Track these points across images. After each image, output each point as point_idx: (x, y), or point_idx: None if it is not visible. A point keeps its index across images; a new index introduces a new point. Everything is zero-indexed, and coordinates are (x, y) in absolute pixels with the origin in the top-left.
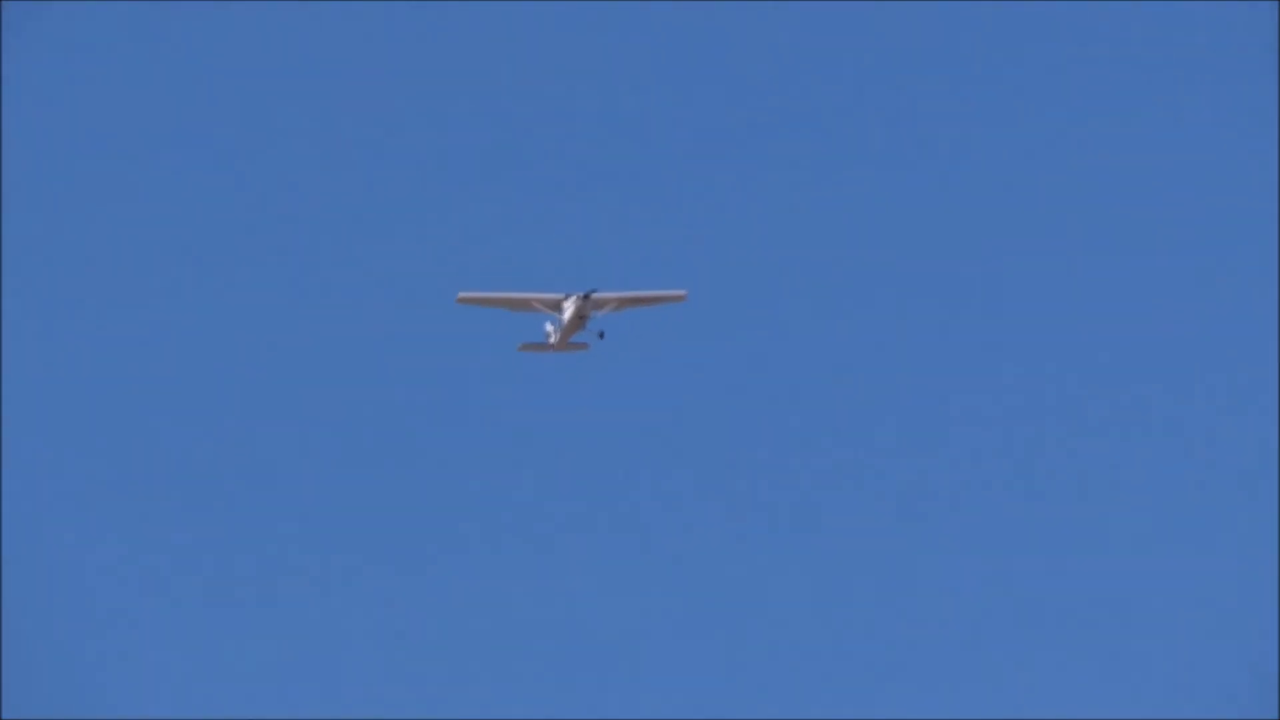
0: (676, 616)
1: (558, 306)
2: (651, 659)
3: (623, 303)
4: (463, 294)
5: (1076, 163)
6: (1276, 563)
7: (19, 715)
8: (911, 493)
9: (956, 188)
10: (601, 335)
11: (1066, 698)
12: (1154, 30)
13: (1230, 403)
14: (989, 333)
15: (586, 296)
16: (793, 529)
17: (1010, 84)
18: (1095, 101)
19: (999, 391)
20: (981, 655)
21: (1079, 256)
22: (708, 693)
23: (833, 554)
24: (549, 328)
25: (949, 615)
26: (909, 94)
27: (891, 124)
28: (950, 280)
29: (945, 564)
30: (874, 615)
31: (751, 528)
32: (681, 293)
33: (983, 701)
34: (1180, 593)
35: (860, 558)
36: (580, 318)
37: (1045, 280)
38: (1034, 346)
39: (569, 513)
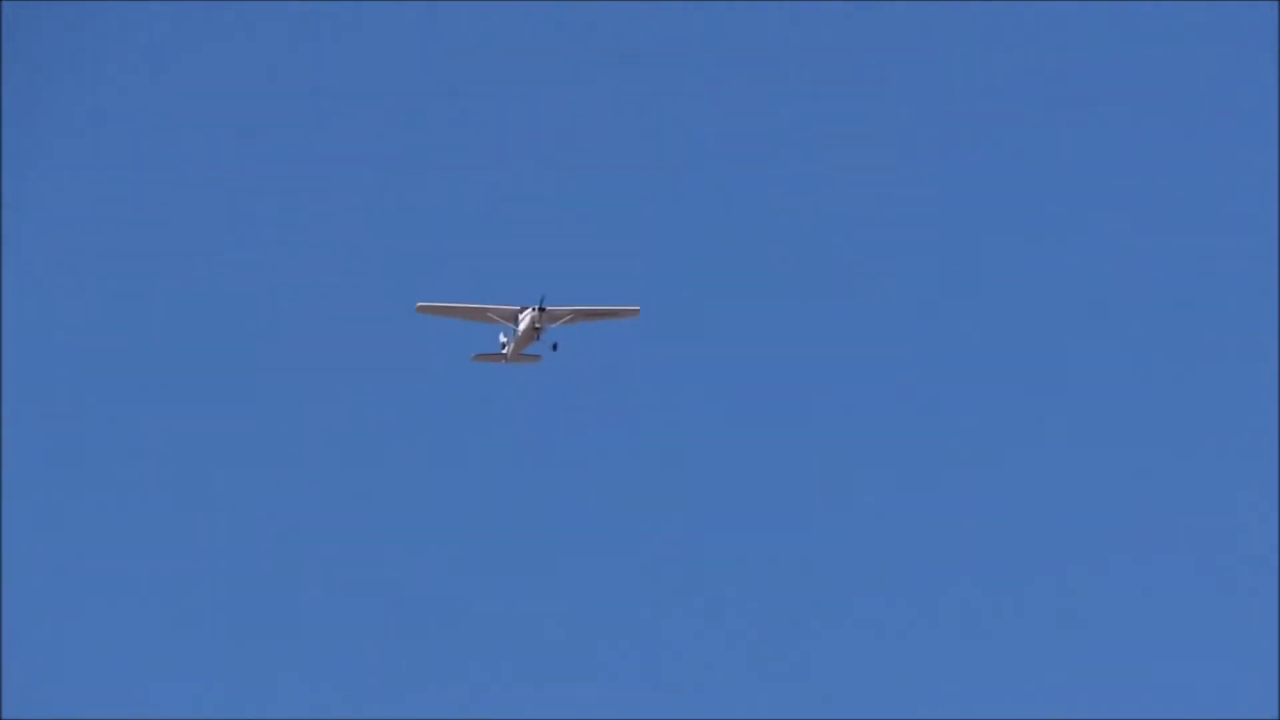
0: (627, 623)
1: (514, 318)
2: (608, 665)
3: (577, 316)
4: (421, 303)
5: (1076, 163)
6: (1277, 562)
7: (19, 715)
8: (870, 502)
9: (939, 188)
10: (555, 347)
11: (1067, 698)
12: (1154, 30)
13: (1230, 403)
14: (962, 335)
15: (542, 309)
16: (745, 538)
17: (1010, 84)
18: (1095, 101)
19: (965, 396)
20: (981, 655)
21: (1078, 256)
22: (663, 698)
23: (789, 563)
24: (503, 338)
25: (927, 616)
26: (884, 98)
27: (857, 132)
28: (920, 283)
29: (912, 571)
30: (832, 621)
31: (702, 538)
32: (635, 307)
33: (983, 701)
34: (1180, 592)
35: (817, 566)
36: (535, 329)
37: (1043, 280)
38: (1025, 345)
39: (521, 520)
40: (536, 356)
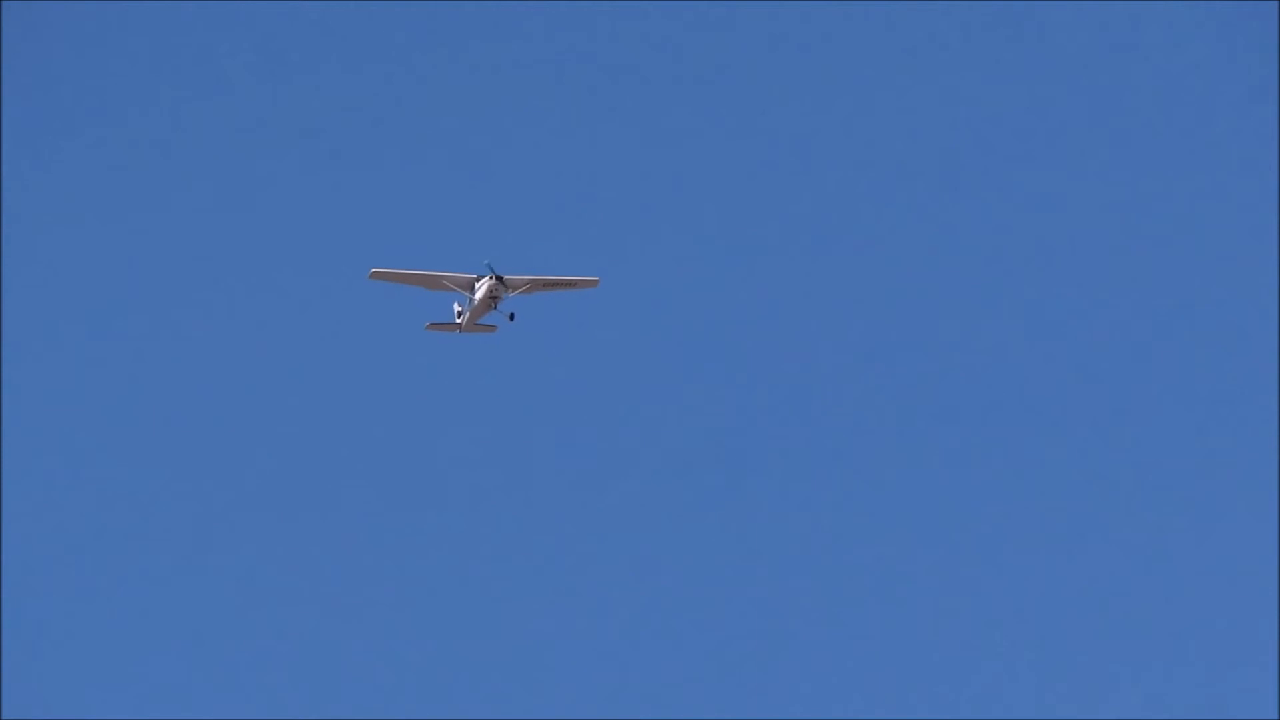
0: (591, 607)
1: (470, 286)
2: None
3: (535, 286)
4: (375, 270)
5: (1076, 163)
6: (1277, 563)
7: (19, 715)
8: (829, 472)
9: (930, 180)
10: (512, 317)
11: (1067, 698)
12: (1154, 30)
13: (1231, 403)
14: (950, 325)
15: (499, 278)
16: (707, 514)
17: (1009, 85)
18: (1095, 101)
19: (954, 384)
20: (981, 655)
21: (1078, 257)
22: (614, 685)
23: (755, 541)
24: (457, 307)
25: (920, 612)
26: (848, 84)
27: (828, 113)
28: (896, 263)
29: (889, 544)
30: (792, 597)
31: (661, 512)
32: (594, 279)
33: (983, 701)
34: (1181, 593)
35: (779, 536)
36: (492, 298)
37: (1040, 280)
38: (1019, 343)
39: (476, 494)
40: (492, 327)
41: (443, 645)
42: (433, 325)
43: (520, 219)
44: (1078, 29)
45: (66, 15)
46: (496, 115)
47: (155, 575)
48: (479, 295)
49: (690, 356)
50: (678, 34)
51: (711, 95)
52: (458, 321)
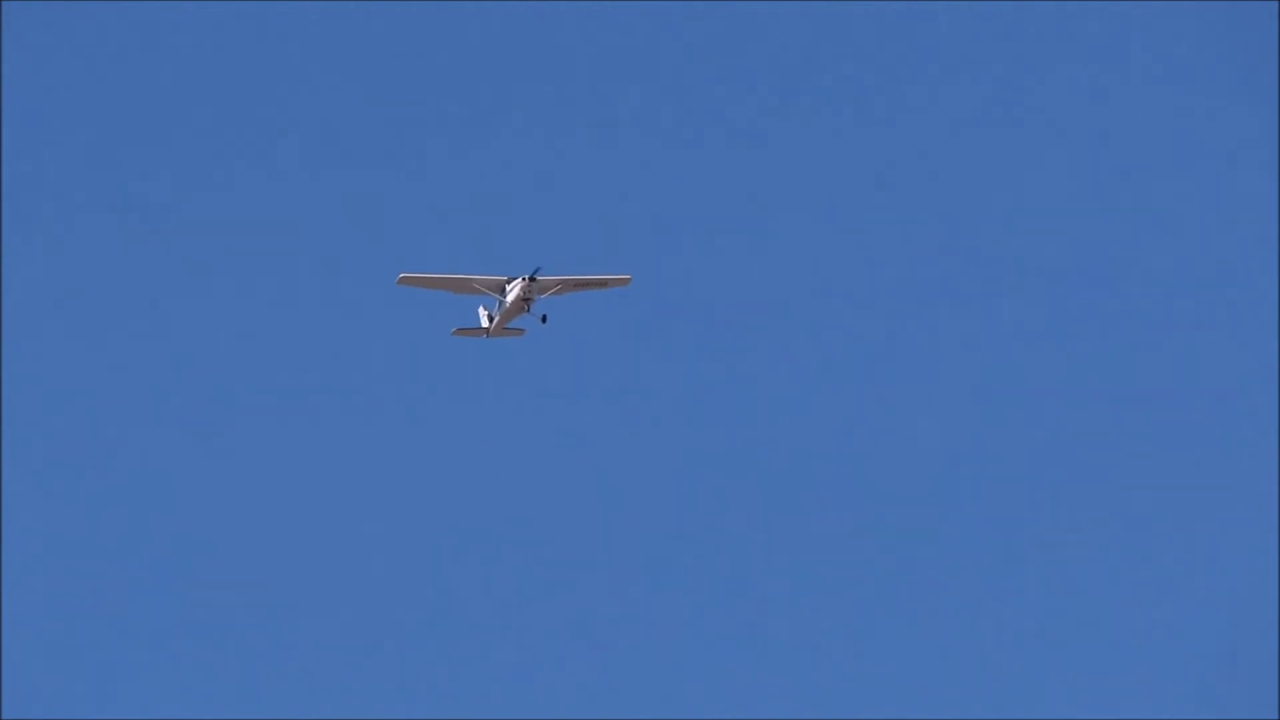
0: (623, 608)
1: (501, 289)
2: (600, 652)
3: (566, 286)
4: (403, 274)
5: (1076, 163)
6: (1277, 563)
7: (19, 716)
8: (862, 477)
9: (939, 183)
10: (545, 320)
11: (1067, 698)
12: (1154, 30)
13: (1231, 403)
14: (956, 322)
15: (532, 279)
16: (740, 516)
17: (1010, 85)
18: (1095, 101)
19: (947, 369)
20: (981, 655)
21: (1078, 257)
22: (647, 683)
23: (782, 540)
24: (483, 311)
25: (926, 610)
26: (878, 84)
27: (852, 111)
28: (904, 262)
29: (912, 548)
30: (819, 596)
31: (695, 514)
32: (626, 277)
33: (983, 701)
34: (1180, 592)
35: (809, 543)
36: (525, 300)
37: (1042, 281)
38: (1022, 346)
39: (509, 503)
40: (520, 330)
41: (474, 653)
42: (460, 330)
43: (544, 219)
44: (1077, 29)
45: (66, 15)
46: (517, 115)
47: (156, 576)
48: (510, 298)
49: (725, 355)
50: (703, 29)
51: (738, 90)
52: (485, 325)
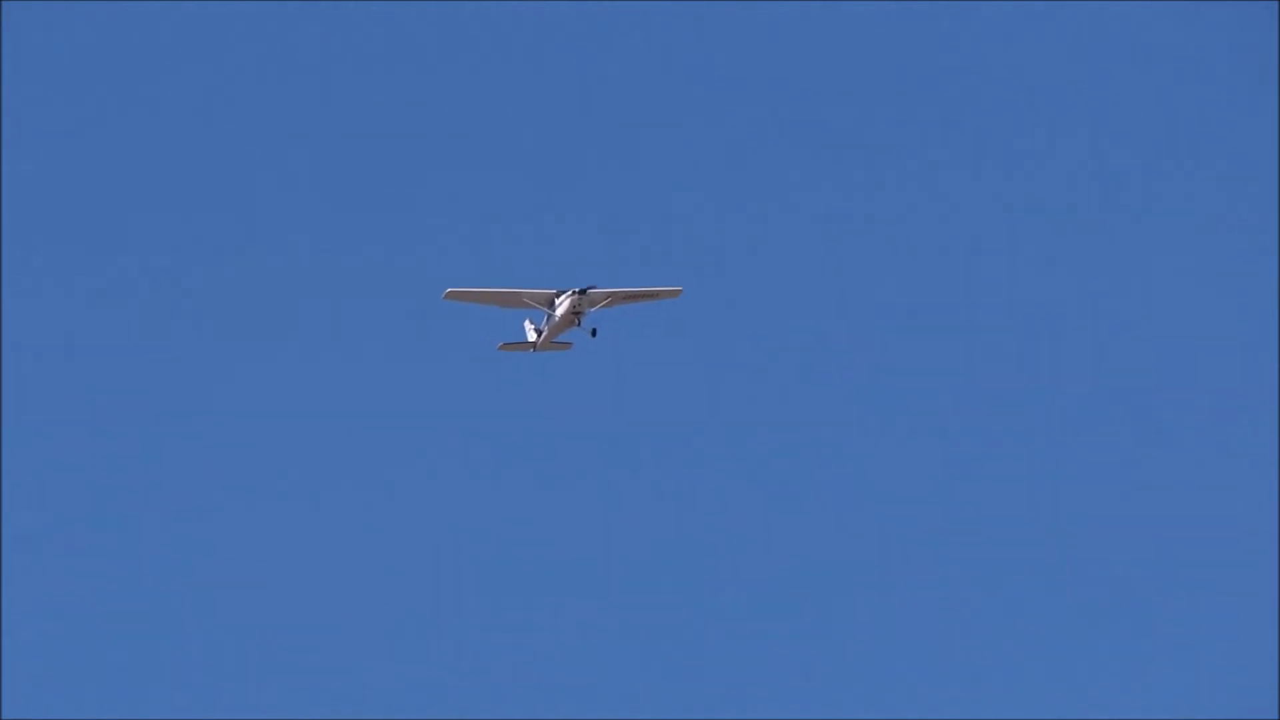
0: (673, 619)
1: (550, 303)
2: (648, 662)
3: (616, 298)
4: (450, 290)
5: (1076, 163)
6: (1277, 563)
7: (19, 716)
8: (908, 488)
9: (953, 186)
10: (594, 333)
11: (1067, 698)
12: (1154, 30)
13: (1231, 403)
14: (985, 331)
15: (583, 292)
16: (788, 528)
17: (1010, 84)
18: (1095, 101)
19: (995, 388)
20: (981, 655)
21: (1078, 258)
22: (707, 694)
23: (829, 555)
24: (529, 325)
25: (948, 614)
26: (904, 93)
27: (886, 123)
28: (947, 277)
29: (943, 562)
30: (870, 613)
31: (745, 527)
32: (677, 288)
33: (983, 701)
34: (1180, 593)
35: (857, 557)
36: (575, 314)
37: (1044, 282)
38: (1033, 346)
39: (560, 516)
40: (568, 344)
41: (531, 667)
42: (506, 345)
43: (587, 230)
44: (1077, 29)
45: (66, 15)
46: (560, 127)
47: (157, 577)
48: (560, 311)
49: (780, 367)
50: (753, 35)
51: (782, 97)
52: (532, 340)
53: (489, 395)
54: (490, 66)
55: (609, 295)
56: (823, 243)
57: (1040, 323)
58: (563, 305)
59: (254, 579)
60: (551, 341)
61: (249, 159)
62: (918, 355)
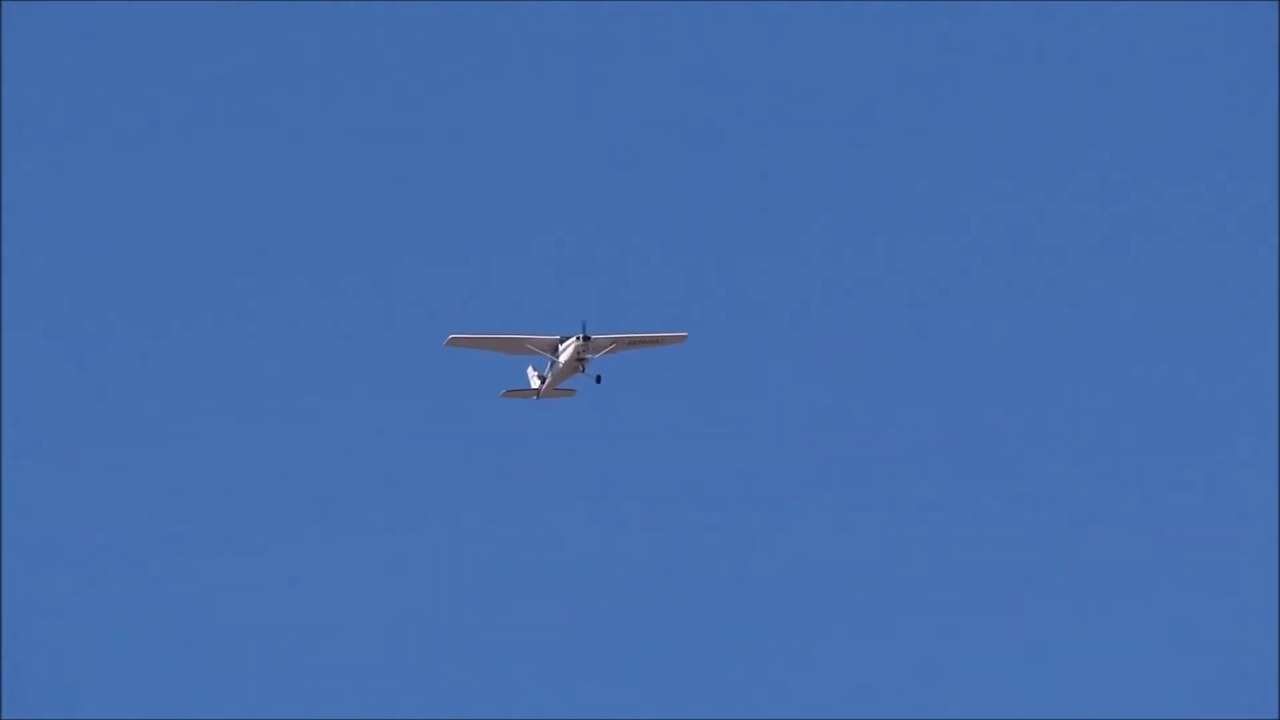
0: (678, 671)
1: (554, 349)
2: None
3: (620, 345)
4: (453, 336)
5: (1076, 163)
6: (1277, 563)
7: (19, 716)
8: (915, 535)
9: (953, 192)
10: (599, 380)
11: (1067, 697)
12: (1154, 30)
13: (1231, 402)
14: (989, 350)
15: (586, 338)
16: (794, 574)
17: (1011, 85)
18: (1095, 101)
19: (1000, 409)
20: (982, 655)
21: (1079, 259)
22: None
23: (838, 600)
24: (532, 371)
25: (950, 626)
26: (903, 95)
27: (887, 152)
28: (951, 299)
29: (949, 568)
30: (876, 661)
31: (752, 575)
32: (682, 334)
33: (983, 701)
34: (1180, 592)
35: (865, 601)
36: (579, 360)
37: (1046, 284)
38: (1035, 350)
39: (564, 564)
40: (571, 390)
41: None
42: (509, 393)
43: (592, 275)
44: (1078, 29)
45: (66, 15)
46: (565, 171)
47: (158, 577)
48: (564, 357)
49: (786, 414)
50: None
51: (799, 148)
52: (535, 386)
53: (492, 442)
54: (498, 101)
55: (613, 341)
56: (830, 287)
57: (1041, 323)
58: (566, 351)
59: (252, 620)
60: (555, 388)
61: (250, 163)
62: (924, 389)
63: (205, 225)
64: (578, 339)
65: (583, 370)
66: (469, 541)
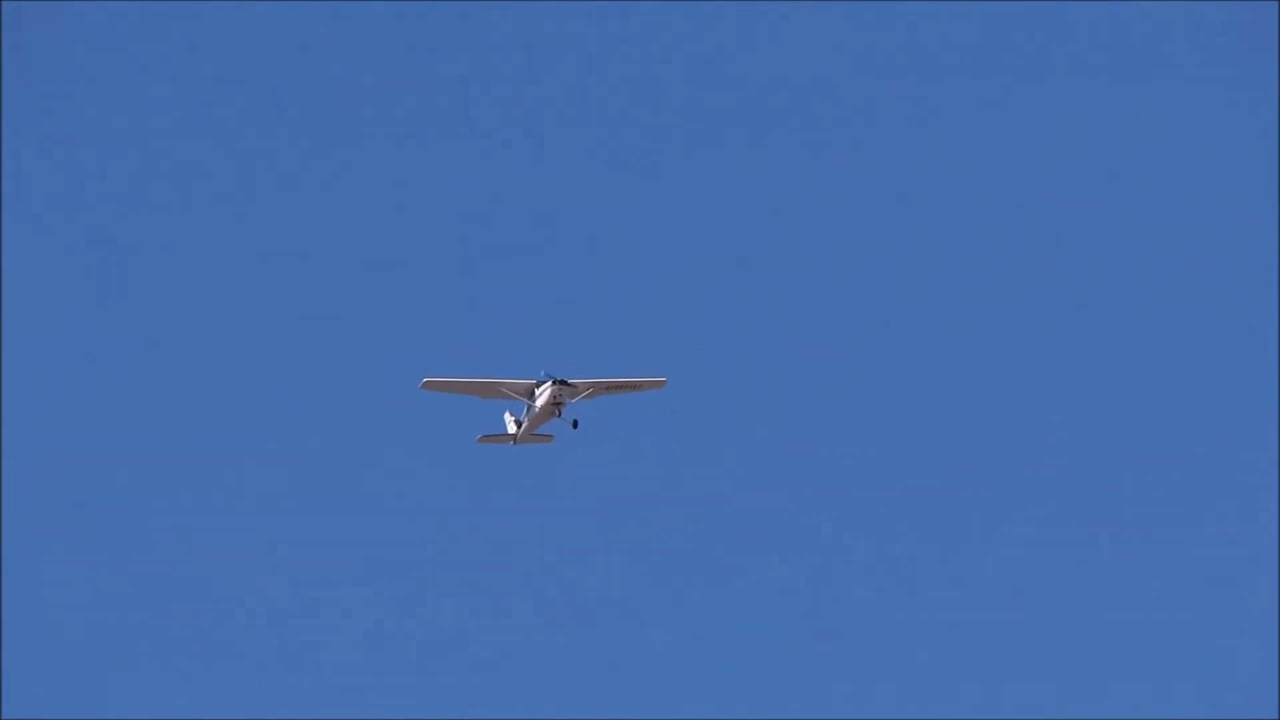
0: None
1: (530, 393)
2: None
3: (598, 389)
4: (427, 379)
5: (1076, 163)
6: (1277, 563)
7: (19, 716)
8: (908, 575)
9: (939, 185)
10: (575, 425)
11: (1067, 697)
12: (1154, 30)
13: (1231, 402)
14: (989, 351)
15: (563, 382)
16: (782, 623)
17: (1011, 85)
18: (1095, 101)
19: (994, 392)
20: (983, 655)
21: (1080, 259)
22: None
23: (827, 648)
24: (509, 417)
25: (953, 626)
26: (903, 98)
27: (875, 161)
28: (945, 315)
29: (952, 569)
30: (872, 688)
31: (738, 623)
32: (661, 379)
33: (984, 701)
34: (1180, 592)
35: (855, 651)
36: (555, 405)
37: (1048, 283)
38: (1033, 347)
39: (540, 614)
40: (549, 436)
41: None
42: (485, 438)
43: (568, 318)
44: (1078, 29)
45: (66, 15)
46: (541, 209)
47: (157, 578)
48: (540, 402)
49: (768, 462)
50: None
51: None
52: (512, 432)
53: (467, 490)
54: (471, 142)
55: (591, 386)
56: (810, 327)
57: (1040, 324)
58: (543, 395)
59: (251, 620)
60: (531, 434)
61: (249, 168)
62: (912, 425)
63: (196, 230)
64: (554, 383)
65: (559, 415)
66: (441, 588)
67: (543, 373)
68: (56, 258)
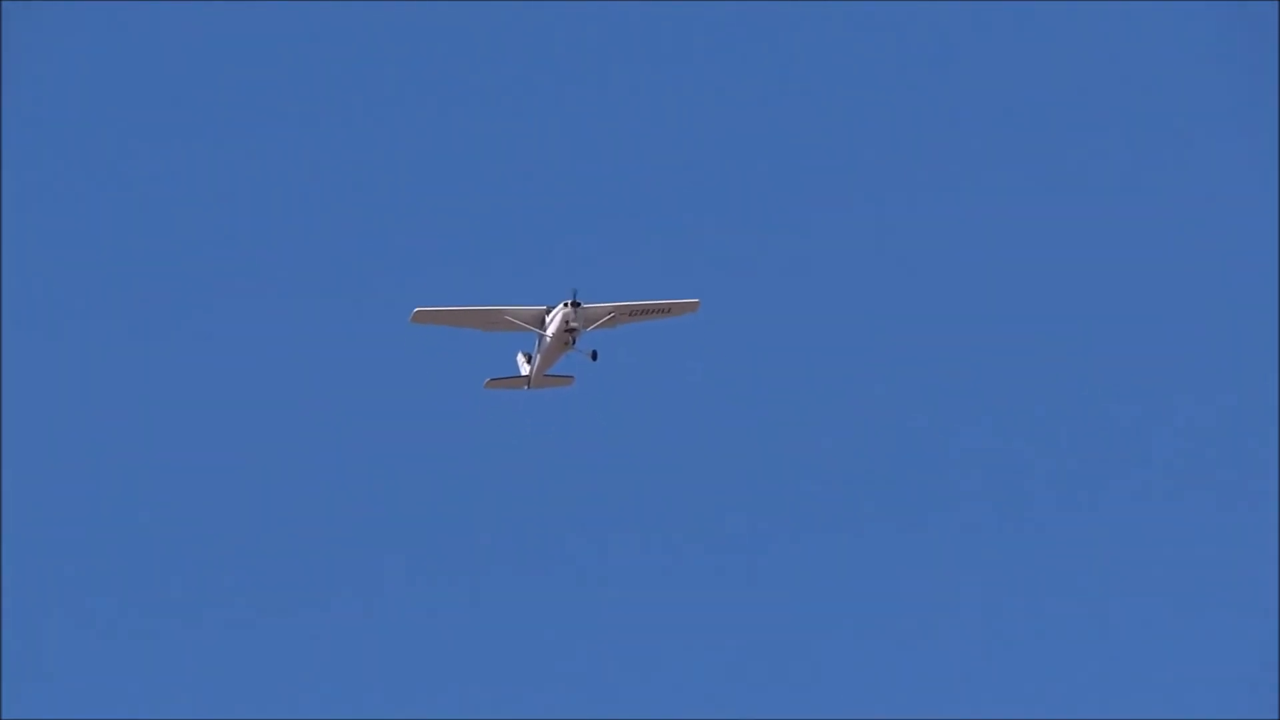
0: (695, 659)
1: (540, 321)
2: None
3: (620, 314)
4: (419, 309)
5: (1076, 163)
6: (1277, 563)
7: (19, 716)
8: (929, 501)
9: (955, 191)
10: (594, 356)
11: (1067, 698)
12: (1154, 30)
13: (1231, 402)
14: (992, 337)
15: (575, 304)
16: (821, 561)
17: (1011, 85)
18: (1094, 101)
19: (1001, 398)
20: (983, 655)
21: (1077, 258)
22: None
23: (860, 584)
24: (521, 357)
25: (952, 618)
26: (906, 97)
27: (891, 127)
28: (957, 282)
29: (953, 569)
30: (886, 635)
31: (774, 573)
32: (694, 301)
33: (984, 701)
34: (1180, 593)
35: (883, 581)
36: (569, 333)
37: (1049, 283)
38: (1036, 349)
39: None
40: (568, 377)
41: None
42: (494, 382)
43: (591, 238)
44: (1077, 29)
45: (66, 15)
46: (559, 134)
47: (156, 578)
48: (551, 330)
49: (812, 388)
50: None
51: (801, 113)
52: (524, 374)
53: (474, 440)
54: (483, 72)
55: (611, 310)
56: (850, 249)
57: (1040, 325)
58: (554, 322)
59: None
60: (546, 374)
61: (248, 164)
62: (938, 363)
63: (196, 230)
64: (565, 305)
65: (573, 344)
66: (446, 559)
67: (572, 294)
68: (56, 257)
